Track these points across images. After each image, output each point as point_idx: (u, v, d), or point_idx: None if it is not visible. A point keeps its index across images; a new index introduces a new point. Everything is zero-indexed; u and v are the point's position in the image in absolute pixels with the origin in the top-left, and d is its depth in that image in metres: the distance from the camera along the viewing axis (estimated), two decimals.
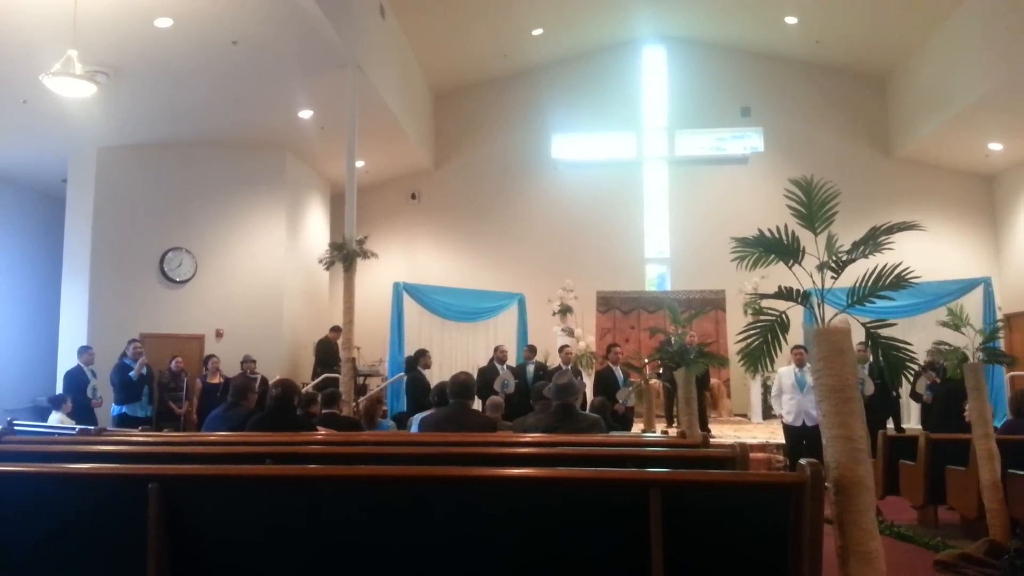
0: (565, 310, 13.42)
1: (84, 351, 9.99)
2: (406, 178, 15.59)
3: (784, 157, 14.44)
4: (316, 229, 14.39)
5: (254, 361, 10.96)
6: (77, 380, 9.63)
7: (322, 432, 5.27)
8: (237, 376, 8.63)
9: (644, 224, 15.52)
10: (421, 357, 10.46)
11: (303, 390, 6.26)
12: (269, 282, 12.70)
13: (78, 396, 9.40)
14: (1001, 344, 10.60)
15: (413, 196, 15.76)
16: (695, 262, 14.50)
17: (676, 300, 12.29)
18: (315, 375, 11.99)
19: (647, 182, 15.60)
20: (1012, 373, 10.92)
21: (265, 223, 12.88)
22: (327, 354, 12.35)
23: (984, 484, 5.10)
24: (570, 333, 12.97)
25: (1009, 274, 13.97)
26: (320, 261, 10.93)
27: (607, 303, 13.80)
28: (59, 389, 10.67)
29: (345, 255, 10.22)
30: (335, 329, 12.06)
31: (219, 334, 12.22)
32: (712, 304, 13.12)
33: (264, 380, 9.06)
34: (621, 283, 14.44)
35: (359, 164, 11.93)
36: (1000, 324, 9.47)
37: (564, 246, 15.03)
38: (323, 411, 6.04)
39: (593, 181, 15.31)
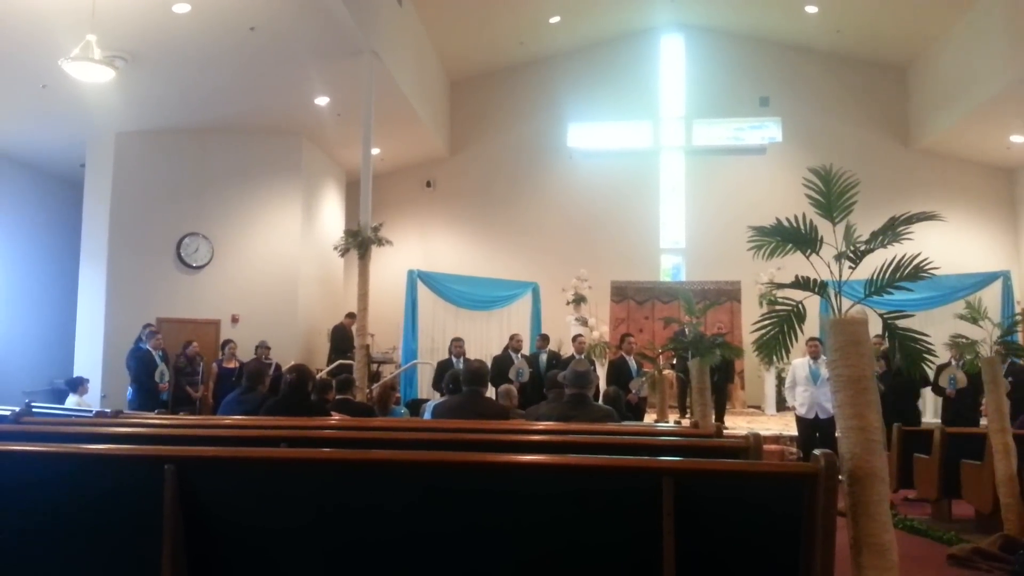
0: (579, 299, 13.40)
1: (152, 335, 10.00)
2: (421, 165, 15.58)
3: (802, 147, 14.31)
4: (331, 216, 14.43)
5: (269, 347, 11.04)
6: (146, 364, 9.67)
7: (336, 418, 5.30)
8: (251, 361, 8.70)
9: (660, 214, 15.45)
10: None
11: (317, 376, 6.30)
12: (284, 268, 12.76)
13: (146, 380, 9.41)
14: (1020, 338, 10.51)
15: (428, 184, 15.76)
16: (711, 252, 14.43)
17: (691, 290, 12.25)
18: (330, 361, 12.06)
19: (663, 172, 15.52)
20: None
21: (281, 209, 12.92)
22: (342, 341, 12.41)
23: (1000, 478, 5.06)
24: (584, 322, 12.95)
25: None
26: (335, 248, 10.97)
27: (621, 293, 13.76)
28: (94, 370, 10.79)
29: (360, 242, 10.25)
30: (350, 316, 12.11)
31: (235, 319, 12.30)
32: (727, 295, 13.06)
33: (278, 366, 9.12)
34: (636, 273, 14.40)
35: (375, 151, 11.95)
36: (1019, 318, 9.35)
37: (579, 235, 14.99)
38: (337, 397, 6.07)
39: (609, 170, 15.25)
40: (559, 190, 15.45)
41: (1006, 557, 4.75)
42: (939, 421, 8.41)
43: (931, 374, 8.20)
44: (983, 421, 7.80)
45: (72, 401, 8.93)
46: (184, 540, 2.52)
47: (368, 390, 9.53)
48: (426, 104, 13.65)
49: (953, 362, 8.09)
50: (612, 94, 15.36)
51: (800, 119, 14.80)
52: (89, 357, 12.07)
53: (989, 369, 5.31)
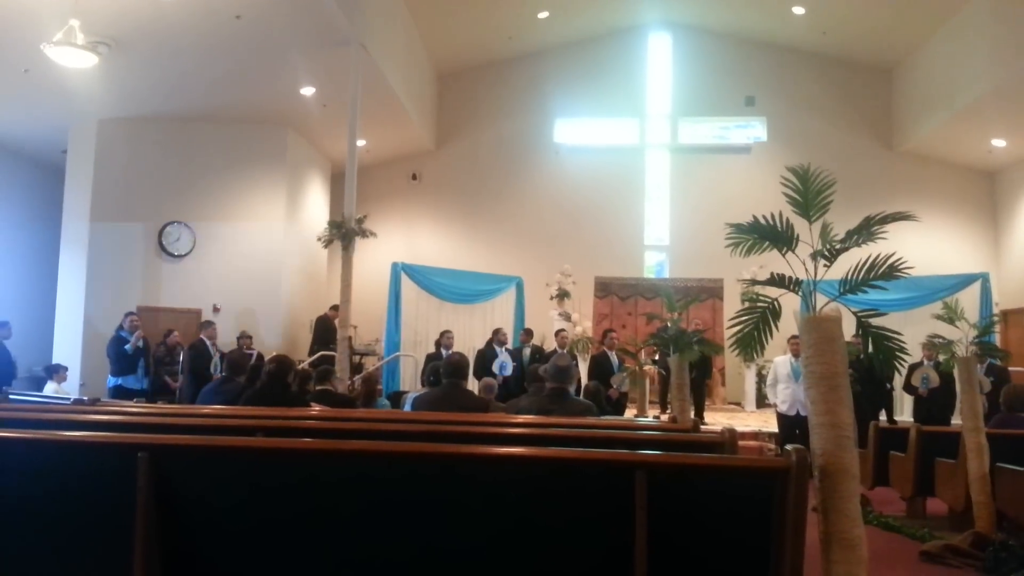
0: (563, 294, 13.43)
1: (208, 325, 9.99)
2: (408, 158, 15.54)
3: (787, 147, 14.39)
4: (316, 207, 14.37)
5: (250, 337, 10.99)
6: (201, 356, 9.61)
7: (316, 408, 5.29)
8: (232, 351, 8.65)
9: (644, 211, 15.51)
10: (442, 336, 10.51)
11: (299, 367, 6.28)
12: (268, 259, 12.69)
13: (203, 372, 9.32)
14: (996, 339, 10.65)
15: (414, 176, 15.72)
16: (694, 250, 14.49)
17: (674, 287, 12.30)
18: (312, 352, 12.02)
19: (649, 169, 15.57)
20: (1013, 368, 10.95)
21: (265, 200, 12.86)
22: (325, 332, 12.37)
23: (972, 477, 5.13)
24: (567, 317, 12.98)
25: (1007, 270, 13.98)
26: (319, 239, 10.94)
27: (605, 288, 13.80)
28: (73, 358, 10.70)
29: (344, 233, 10.23)
30: (334, 308, 12.09)
31: (216, 309, 12.23)
32: (710, 292, 13.13)
33: (260, 356, 9.09)
34: (619, 269, 14.45)
35: (360, 143, 11.91)
36: (995, 319, 9.48)
37: (564, 230, 15.01)
38: (317, 388, 6.06)
39: (595, 166, 15.28)
40: (545, 185, 15.46)
41: (977, 554, 4.82)
42: (912, 420, 8.51)
43: (904, 373, 8.31)
44: (954, 420, 7.92)
45: (50, 388, 8.86)
46: (158, 529, 2.52)
47: (350, 382, 9.51)
48: (413, 97, 13.61)
49: (926, 362, 8.18)
50: (599, 90, 15.39)
51: (785, 119, 14.89)
52: (68, 344, 11.98)
53: (965, 369, 5.38)
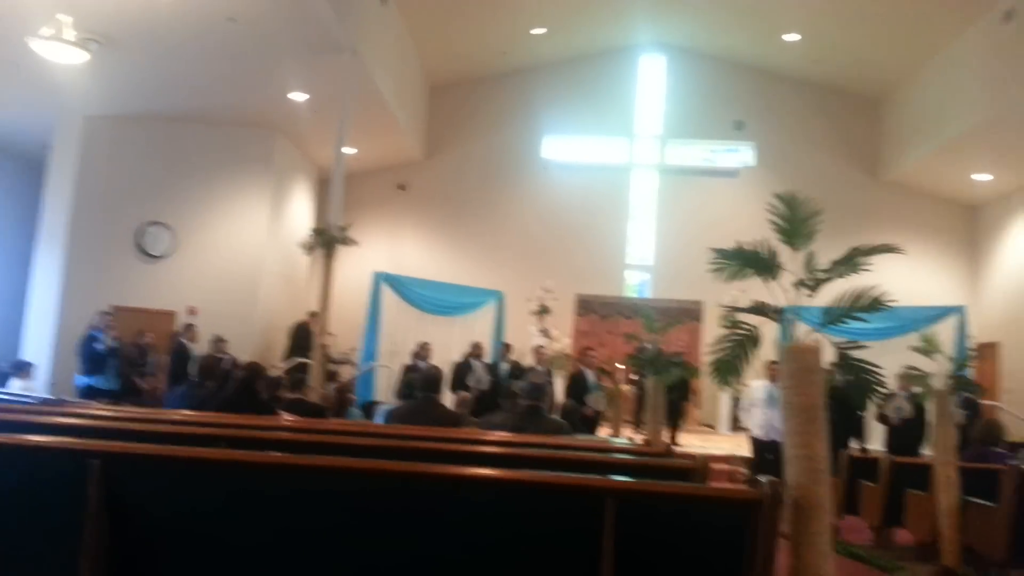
0: (543, 311, 13.39)
1: (189, 327, 9.88)
2: (396, 167, 15.47)
3: (774, 173, 14.47)
4: (301, 213, 14.27)
5: (225, 341, 10.84)
6: (183, 358, 9.50)
7: (286, 417, 5.20)
8: (205, 356, 8.53)
9: (629, 230, 15.52)
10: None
11: (274, 374, 6.20)
12: (248, 263, 12.57)
13: (185, 374, 9.17)
14: (971, 374, 10.70)
15: (401, 187, 15.65)
16: (677, 271, 14.50)
17: (654, 308, 12.28)
18: (287, 359, 11.89)
19: (635, 189, 15.60)
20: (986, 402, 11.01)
21: (249, 204, 12.75)
22: (302, 339, 12.23)
23: (941, 509, 5.12)
24: (547, 334, 12.94)
25: (984, 304, 14.10)
26: (301, 246, 10.84)
27: (586, 306, 13.79)
28: (44, 355, 10.52)
29: (326, 241, 10.14)
30: (313, 314, 11.97)
31: (192, 311, 12.06)
32: (690, 315, 13.14)
33: (233, 361, 8.97)
34: (601, 287, 14.44)
35: (349, 151, 11.84)
36: (972, 353, 9.54)
37: (548, 246, 14.99)
38: (289, 396, 5.97)
39: (581, 184, 15.30)
40: (531, 201, 15.45)
41: None
42: (882, 449, 8.51)
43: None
44: (925, 451, 7.93)
45: (17, 386, 8.68)
46: (108, 539, 2.43)
47: (324, 390, 9.39)
48: (404, 106, 13.57)
49: (900, 392, 8.19)
50: (589, 109, 15.42)
51: (773, 145, 14.98)
52: (39, 341, 11.77)
53: (939, 402, 5.38)
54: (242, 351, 10.97)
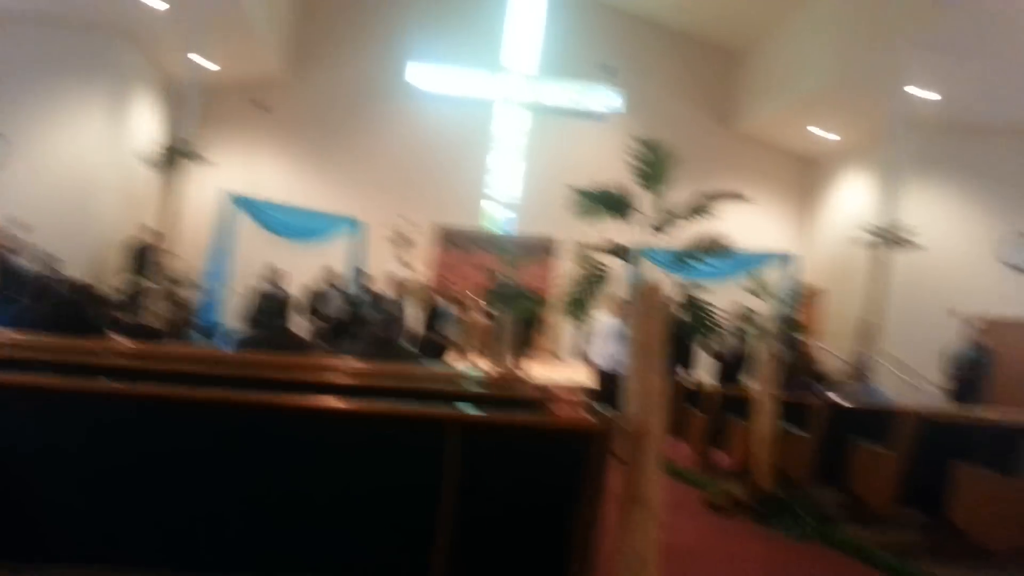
0: (403, 240, 13.26)
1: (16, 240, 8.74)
2: (256, 85, 14.55)
3: (638, 119, 14.80)
4: (148, 127, 13.18)
5: (54, 257, 9.96)
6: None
7: (119, 341, 4.92)
8: (35, 274, 7.85)
9: (493, 165, 15.51)
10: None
11: (108, 294, 5.81)
12: (83, 176, 11.54)
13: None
14: (797, 316, 11.66)
15: (262, 104, 14.78)
16: (538, 209, 14.66)
17: (513, 243, 12.49)
18: (124, 278, 11.16)
19: (502, 124, 15.52)
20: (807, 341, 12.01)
21: (86, 113, 11.64)
22: (141, 258, 11.49)
23: (758, 435, 5.61)
24: (405, 263, 12.86)
25: (813, 252, 15.26)
26: (146, 161, 10.10)
27: (445, 238, 13.80)
28: None
29: (172, 156, 9.52)
30: (151, 231, 11.24)
31: (22, 226, 10.98)
32: (546, 250, 13.42)
33: (61, 279, 8.31)
34: (464, 220, 14.44)
35: (210, 66, 11.03)
36: (797, 300, 10.40)
37: (411, 176, 14.74)
38: (123, 318, 5.63)
39: (448, 115, 15.06)
40: (397, 128, 15.07)
41: (755, 506, 5.32)
42: (708, 378, 9.16)
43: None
44: (746, 382, 8.63)
45: None
46: None
47: (163, 313, 8.93)
48: (267, 18, 12.71)
49: (731, 329, 8.75)
50: (459, 38, 15.05)
51: (641, 91, 15.28)
52: None
53: (766, 340, 5.83)
54: (76, 269, 10.17)
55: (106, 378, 2.80)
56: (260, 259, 11.64)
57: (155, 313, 8.23)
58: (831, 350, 12.57)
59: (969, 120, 12.14)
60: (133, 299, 5.99)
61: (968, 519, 3.97)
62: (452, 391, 3.79)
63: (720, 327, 3.49)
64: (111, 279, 11.36)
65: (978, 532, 3.89)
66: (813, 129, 14.04)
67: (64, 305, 4.65)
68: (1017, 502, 3.52)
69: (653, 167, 3.33)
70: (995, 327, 11.52)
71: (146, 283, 9.72)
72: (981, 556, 4.07)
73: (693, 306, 3.24)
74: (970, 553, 4.14)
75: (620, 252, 3.29)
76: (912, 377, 11.23)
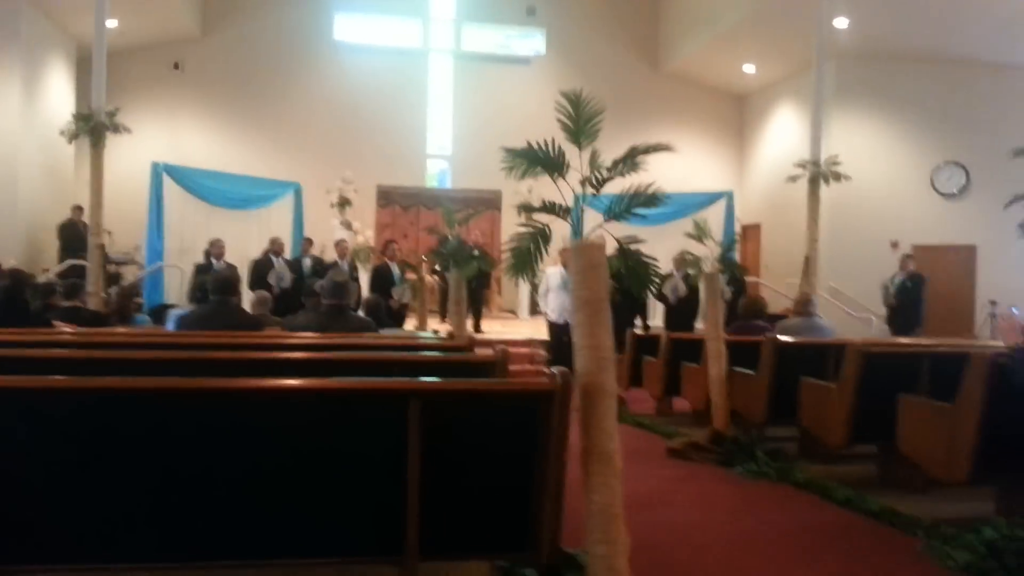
0: (344, 203, 13.08)
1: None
2: (169, 44, 14.02)
3: (565, 62, 14.74)
4: (60, 96, 12.62)
5: None
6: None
7: (64, 329, 4.80)
8: None
9: (428, 118, 15.31)
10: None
11: (46, 278, 5.63)
12: (2, 153, 11.04)
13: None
14: (737, 255, 11.93)
15: (176, 66, 14.25)
16: (476, 160, 14.56)
17: (455, 199, 12.41)
18: (61, 261, 10.80)
19: (432, 74, 15.30)
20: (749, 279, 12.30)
21: None
22: (73, 239, 11.12)
23: (711, 379, 5.77)
24: (348, 226, 12.70)
25: (748, 189, 15.58)
26: (62, 133, 9.69)
27: (387, 198, 13.63)
28: None
29: (92, 128, 9.14)
30: (78, 208, 10.85)
31: None
32: (489, 204, 13.37)
33: None
34: (402, 178, 14.27)
35: (112, 23, 10.53)
36: (736, 238, 10.60)
37: (346, 135, 14.47)
38: (64, 304, 5.48)
39: (377, 68, 14.77)
40: (326, 85, 14.72)
41: (715, 449, 5.48)
42: (662, 326, 9.35)
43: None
44: (698, 326, 8.84)
45: None
46: None
47: (105, 295, 8.69)
48: None
49: (676, 273, 8.93)
50: None
51: (564, 33, 15.18)
52: None
53: (709, 283, 5.96)
54: (5, 254, 9.81)
55: (51, 371, 2.75)
56: (197, 232, 11.39)
57: (96, 296, 7.99)
58: (771, 285, 12.93)
59: (888, 48, 12.39)
60: (72, 283, 5.82)
61: (916, 450, 4.14)
62: (410, 360, 3.81)
63: (658, 276, 3.56)
64: (45, 263, 10.98)
65: (927, 462, 4.06)
66: (746, 67, 14.17)
67: (2, 296, 4.51)
68: (960, 429, 3.70)
69: (578, 122, 3.33)
70: (926, 254, 11.98)
71: (83, 264, 9.41)
72: (934, 486, 4.22)
73: (629, 258, 3.29)
74: (922, 483, 4.30)
75: (556, 210, 3.32)
76: (852, 308, 11.64)
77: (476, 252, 6.32)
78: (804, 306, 6.95)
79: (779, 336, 5.84)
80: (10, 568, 2.40)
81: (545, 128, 3.39)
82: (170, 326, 5.42)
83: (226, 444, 2.51)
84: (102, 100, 9.26)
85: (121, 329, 5.56)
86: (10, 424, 2.37)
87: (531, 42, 14.89)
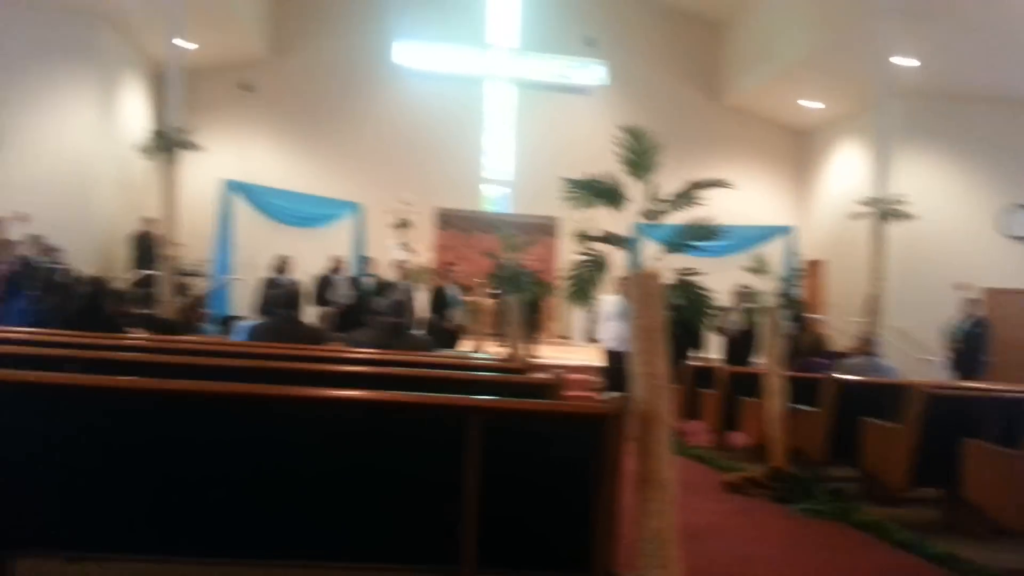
0: (404, 224, 13.31)
1: (37, 239, 8.72)
2: (242, 66, 14.49)
3: (625, 93, 14.81)
4: (134, 112, 13.12)
5: (57, 249, 9.97)
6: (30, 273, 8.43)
7: (137, 335, 5.01)
8: (40, 268, 7.89)
9: (488, 144, 15.51)
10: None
11: (119, 287, 5.89)
12: (77, 166, 11.45)
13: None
14: (800, 290, 11.74)
15: (247, 87, 14.73)
16: (535, 186, 14.69)
17: (513, 223, 12.51)
18: (134, 271, 11.21)
19: (493, 101, 15.52)
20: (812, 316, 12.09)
21: (74, 100, 11.56)
22: (145, 249, 11.53)
23: (770, 415, 5.68)
24: (408, 247, 12.91)
25: (812, 224, 15.32)
26: (140, 150, 10.11)
27: (446, 220, 13.83)
28: None
29: (167, 144, 9.54)
30: (148, 220, 11.24)
31: (21, 218, 10.99)
32: (546, 231, 13.46)
33: (71, 272, 8.38)
34: (462, 201, 14.46)
35: (189, 45, 10.99)
36: (799, 271, 10.45)
37: (405, 157, 14.72)
38: (138, 312, 5.72)
39: (439, 94, 15.03)
40: (389, 109, 15.03)
41: (771, 485, 5.39)
42: (719, 358, 9.24)
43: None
44: (756, 361, 8.71)
45: None
46: None
47: (175, 304, 9.00)
48: None
49: (735, 307, 8.83)
50: (443, 15, 14.97)
51: (625, 65, 15.24)
52: None
53: (769, 317, 5.90)
54: (80, 262, 10.23)
55: (126, 373, 2.89)
56: (261, 247, 11.69)
57: (167, 305, 8.29)
58: (835, 323, 12.67)
59: (954, 88, 12.16)
60: (145, 292, 6.06)
61: (982, 496, 4.01)
62: (467, 379, 3.88)
63: (716, 309, 3.56)
64: (119, 271, 11.40)
65: (993, 509, 3.93)
66: (802, 102, 14.04)
67: (83, 302, 4.74)
68: None
69: (638, 155, 3.37)
70: (993, 298, 11.61)
71: (155, 274, 9.77)
72: (999, 533, 4.10)
73: (687, 290, 3.31)
74: (987, 530, 4.17)
75: (615, 240, 3.36)
76: (915, 349, 11.33)
77: (532, 276, 6.37)
78: (867, 345, 6.82)
79: (840, 372, 5.74)
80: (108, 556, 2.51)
81: (604, 158, 3.44)
82: (241, 336, 5.60)
83: (292, 451, 2.59)
84: (177, 118, 9.64)
85: (192, 337, 5.77)
86: (92, 420, 2.50)
87: (592, 72, 15.01)
